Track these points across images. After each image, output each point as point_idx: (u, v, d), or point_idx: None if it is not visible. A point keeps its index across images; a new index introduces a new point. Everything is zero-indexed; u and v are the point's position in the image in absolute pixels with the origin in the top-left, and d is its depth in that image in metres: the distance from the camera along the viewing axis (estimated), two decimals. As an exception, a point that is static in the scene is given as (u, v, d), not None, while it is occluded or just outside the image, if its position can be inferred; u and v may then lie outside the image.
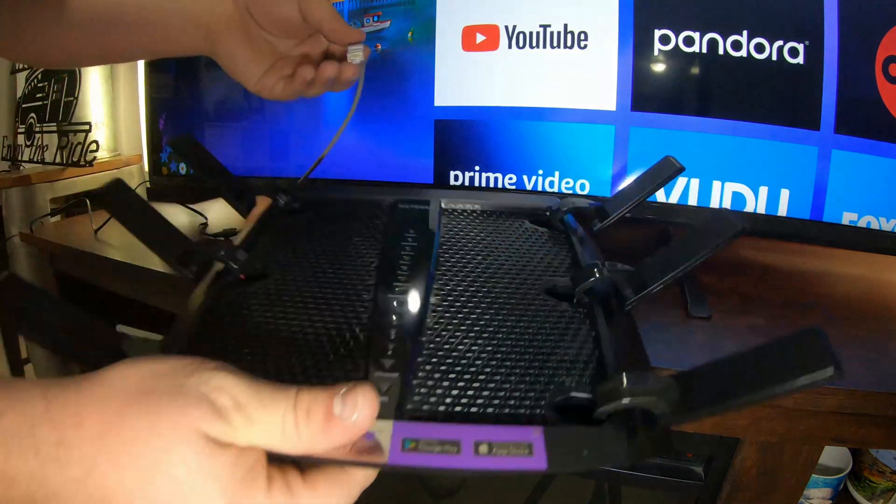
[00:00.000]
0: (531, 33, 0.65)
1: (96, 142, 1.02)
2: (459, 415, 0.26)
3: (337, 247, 0.41)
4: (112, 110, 1.14)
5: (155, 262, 0.69)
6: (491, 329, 0.32)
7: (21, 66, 1.13)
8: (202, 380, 0.20)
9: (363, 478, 0.23)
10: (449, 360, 0.29)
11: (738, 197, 0.61)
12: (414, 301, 0.33)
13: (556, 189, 0.67)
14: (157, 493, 0.19)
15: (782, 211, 0.59)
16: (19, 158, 1.09)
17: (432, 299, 0.34)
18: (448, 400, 0.27)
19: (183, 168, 0.95)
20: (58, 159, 1.03)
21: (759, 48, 0.57)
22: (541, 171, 0.67)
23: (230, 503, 0.19)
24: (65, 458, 0.18)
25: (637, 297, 0.34)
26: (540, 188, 0.67)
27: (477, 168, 0.70)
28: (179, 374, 0.21)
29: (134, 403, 0.20)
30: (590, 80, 0.63)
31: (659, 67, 0.61)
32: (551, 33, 0.64)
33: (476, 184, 0.70)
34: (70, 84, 1.05)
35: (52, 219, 1.00)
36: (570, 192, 0.66)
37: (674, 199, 0.62)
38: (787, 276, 0.68)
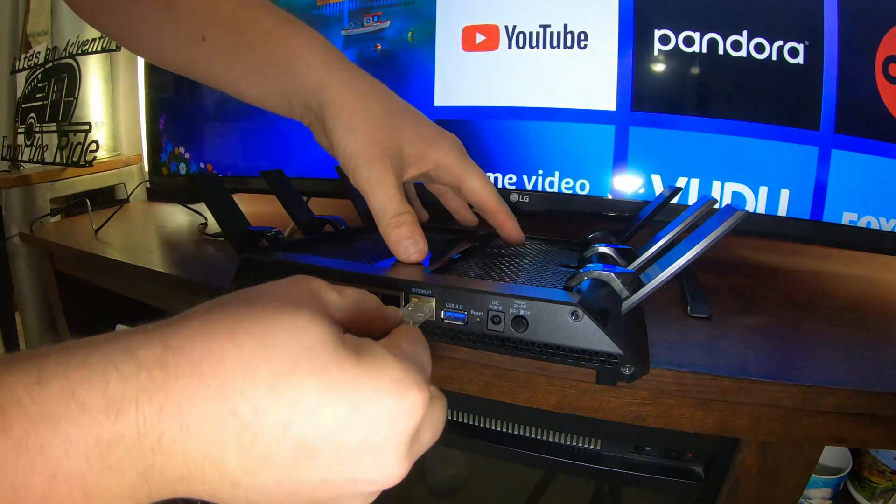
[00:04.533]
0: (531, 33, 0.65)
1: (96, 142, 1.02)
2: None
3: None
4: (112, 110, 1.14)
5: (155, 263, 0.69)
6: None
7: (21, 65, 1.13)
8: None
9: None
10: None
11: (738, 197, 0.61)
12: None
13: (556, 189, 0.67)
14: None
15: (782, 211, 0.59)
16: (19, 158, 1.09)
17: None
18: None
19: (182, 168, 0.95)
20: (58, 159, 1.03)
21: (759, 48, 0.57)
22: (541, 171, 0.67)
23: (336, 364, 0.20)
24: (172, 361, 0.18)
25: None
26: (540, 188, 0.67)
27: (477, 168, 0.70)
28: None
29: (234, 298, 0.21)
30: (590, 80, 0.63)
31: (659, 67, 0.61)
32: (551, 33, 0.64)
33: (476, 184, 0.70)
34: (70, 84, 1.05)
35: (52, 219, 1.00)
36: (570, 192, 0.66)
37: (673, 199, 0.62)
38: (787, 276, 0.68)
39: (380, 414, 0.20)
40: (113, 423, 0.17)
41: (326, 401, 0.19)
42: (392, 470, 0.21)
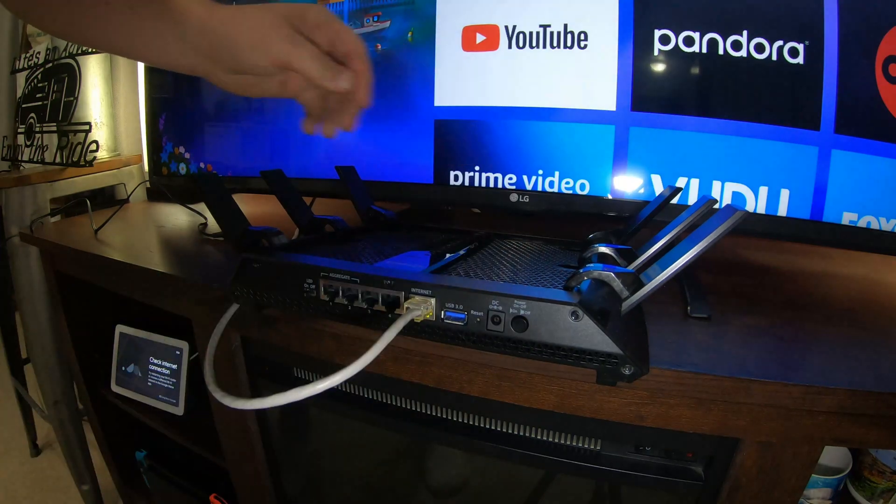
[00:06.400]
0: (531, 33, 0.65)
1: (96, 142, 1.02)
2: None
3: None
4: (112, 110, 1.14)
5: (155, 263, 0.69)
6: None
7: (21, 65, 1.13)
8: None
9: None
10: None
11: (738, 197, 0.61)
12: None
13: (555, 189, 0.67)
14: None
15: (782, 211, 0.59)
16: (19, 158, 1.09)
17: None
18: None
19: (182, 168, 0.95)
20: (58, 159, 1.03)
21: (759, 48, 0.57)
22: (541, 171, 0.67)
23: None
24: None
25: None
26: (540, 188, 0.67)
27: (477, 168, 0.70)
28: None
29: None
30: (590, 80, 0.63)
31: (659, 67, 0.61)
32: (551, 33, 0.64)
33: (476, 184, 0.70)
34: (70, 84, 1.05)
35: (52, 219, 1.00)
36: (570, 192, 0.66)
37: (673, 199, 0.62)
38: (787, 276, 0.68)
39: None
40: None
41: None
42: None
